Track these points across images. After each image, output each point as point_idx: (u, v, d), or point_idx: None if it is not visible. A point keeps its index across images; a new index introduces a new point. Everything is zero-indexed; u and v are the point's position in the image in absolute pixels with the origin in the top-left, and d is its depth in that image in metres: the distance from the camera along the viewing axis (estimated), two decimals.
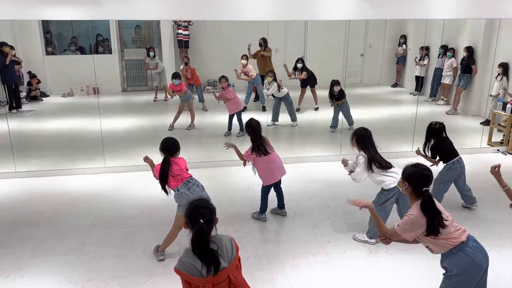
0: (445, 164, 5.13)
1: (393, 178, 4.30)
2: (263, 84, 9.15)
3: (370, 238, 4.52)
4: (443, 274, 2.95)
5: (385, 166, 4.35)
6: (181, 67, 9.36)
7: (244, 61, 9.17)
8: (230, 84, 8.08)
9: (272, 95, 8.62)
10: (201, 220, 2.39)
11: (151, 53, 10.19)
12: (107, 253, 4.30)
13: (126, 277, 3.93)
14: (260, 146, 4.79)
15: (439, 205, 2.87)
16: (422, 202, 2.79)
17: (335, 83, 8.21)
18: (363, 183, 6.02)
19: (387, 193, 4.36)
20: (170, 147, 4.12)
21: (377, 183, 4.41)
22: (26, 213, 5.16)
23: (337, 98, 8.23)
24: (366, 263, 4.19)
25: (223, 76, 7.94)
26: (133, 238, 4.59)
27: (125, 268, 4.06)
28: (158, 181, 4.08)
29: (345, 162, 4.65)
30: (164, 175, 4.02)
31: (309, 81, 9.66)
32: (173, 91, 8.26)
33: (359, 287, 3.84)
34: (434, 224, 2.75)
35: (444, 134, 5.13)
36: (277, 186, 5.04)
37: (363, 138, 4.41)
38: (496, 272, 4.02)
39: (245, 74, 9.24)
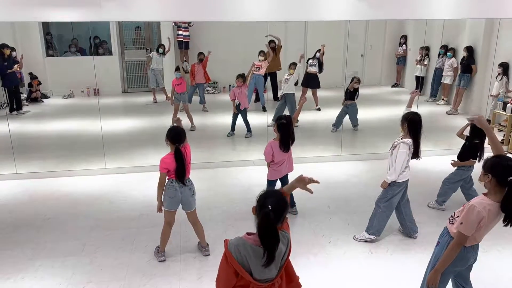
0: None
1: (406, 172, 4.31)
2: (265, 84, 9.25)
3: (371, 235, 4.52)
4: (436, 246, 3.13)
5: (416, 157, 4.30)
6: (193, 63, 9.43)
7: (261, 57, 9.25)
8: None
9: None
10: (269, 206, 2.33)
11: (160, 50, 10.19)
12: (108, 255, 4.31)
13: (127, 278, 3.94)
14: (289, 142, 4.80)
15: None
16: (508, 192, 2.71)
17: (355, 79, 8.22)
18: (363, 184, 6.05)
19: (395, 187, 4.35)
20: (179, 135, 4.03)
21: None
22: (27, 215, 5.16)
23: (350, 96, 8.21)
24: (367, 263, 4.19)
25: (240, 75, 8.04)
26: (133, 239, 4.60)
27: (126, 270, 4.06)
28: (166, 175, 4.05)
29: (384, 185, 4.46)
30: (181, 167, 3.96)
31: (313, 82, 9.65)
32: (174, 88, 8.27)
33: (360, 287, 3.84)
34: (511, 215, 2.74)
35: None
36: (284, 183, 5.05)
37: (416, 123, 4.27)
38: (497, 272, 4.02)
39: (257, 68, 9.26)
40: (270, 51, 9.38)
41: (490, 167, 2.79)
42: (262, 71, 9.24)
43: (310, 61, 9.55)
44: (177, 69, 8.44)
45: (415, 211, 4.70)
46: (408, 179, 4.39)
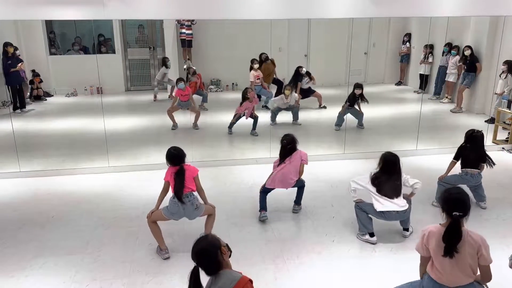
0: (461, 169, 5.25)
1: (380, 205, 4.38)
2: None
3: (364, 235, 4.53)
4: None
5: (385, 195, 4.39)
6: (190, 78, 9.37)
7: (256, 65, 9.31)
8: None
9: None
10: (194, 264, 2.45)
11: (169, 63, 10.14)
12: (111, 253, 4.31)
13: (130, 276, 3.94)
14: (281, 154, 4.97)
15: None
16: (449, 224, 2.84)
17: (358, 86, 8.27)
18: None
19: (373, 212, 4.44)
20: (176, 156, 4.14)
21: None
22: (30, 213, 5.17)
23: (355, 101, 8.27)
24: (371, 262, 4.17)
25: (250, 87, 8.12)
26: (136, 237, 4.60)
27: (129, 268, 4.06)
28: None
29: None
30: (179, 184, 4.06)
31: (308, 92, 9.74)
32: (178, 98, 8.25)
33: (363, 286, 3.83)
34: (449, 246, 2.82)
35: (479, 144, 5.17)
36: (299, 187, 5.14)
37: (387, 163, 4.41)
38: (501, 271, 3.99)
39: (258, 79, 9.34)
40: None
41: (442, 199, 2.96)
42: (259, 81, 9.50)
43: (304, 79, 9.70)
44: (181, 80, 8.40)
45: (419, 209, 4.68)
46: (388, 212, 4.39)
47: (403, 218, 4.46)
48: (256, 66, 9.37)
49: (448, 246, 2.82)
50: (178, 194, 4.06)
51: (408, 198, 4.48)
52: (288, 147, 4.93)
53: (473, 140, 5.17)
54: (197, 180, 4.20)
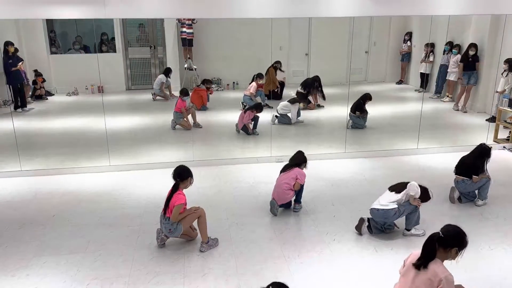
0: None
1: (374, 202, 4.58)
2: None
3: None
4: None
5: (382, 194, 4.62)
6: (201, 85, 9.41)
7: (261, 81, 9.56)
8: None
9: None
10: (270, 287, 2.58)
11: (171, 74, 10.16)
12: (112, 252, 4.31)
13: (131, 275, 3.94)
14: (285, 166, 5.16)
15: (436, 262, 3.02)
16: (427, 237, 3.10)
17: (369, 97, 8.36)
18: (368, 181, 6.03)
19: None
20: (175, 172, 4.29)
21: None
22: (31, 212, 5.17)
23: (361, 109, 8.37)
24: (371, 261, 4.17)
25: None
26: (137, 236, 4.60)
27: (130, 267, 4.07)
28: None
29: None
30: (165, 205, 4.26)
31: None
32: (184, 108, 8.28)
33: (364, 285, 3.83)
34: (421, 258, 3.04)
35: (476, 153, 5.25)
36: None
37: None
38: (503, 270, 4.00)
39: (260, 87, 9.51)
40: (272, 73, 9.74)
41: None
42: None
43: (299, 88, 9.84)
44: (187, 93, 8.43)
45: (421, 208, 4.67)
46: (371, 209, 4.56)
47: (384, 218, 4.48)
48: (261, 82, 9.45)
49: (421, 256, 3.03)
50: (163, 210, 4.28)
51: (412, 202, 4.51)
52: (294, 162, 5.09)
53: (475, 149, 5.29)
54: (175, 210, 4.16)
